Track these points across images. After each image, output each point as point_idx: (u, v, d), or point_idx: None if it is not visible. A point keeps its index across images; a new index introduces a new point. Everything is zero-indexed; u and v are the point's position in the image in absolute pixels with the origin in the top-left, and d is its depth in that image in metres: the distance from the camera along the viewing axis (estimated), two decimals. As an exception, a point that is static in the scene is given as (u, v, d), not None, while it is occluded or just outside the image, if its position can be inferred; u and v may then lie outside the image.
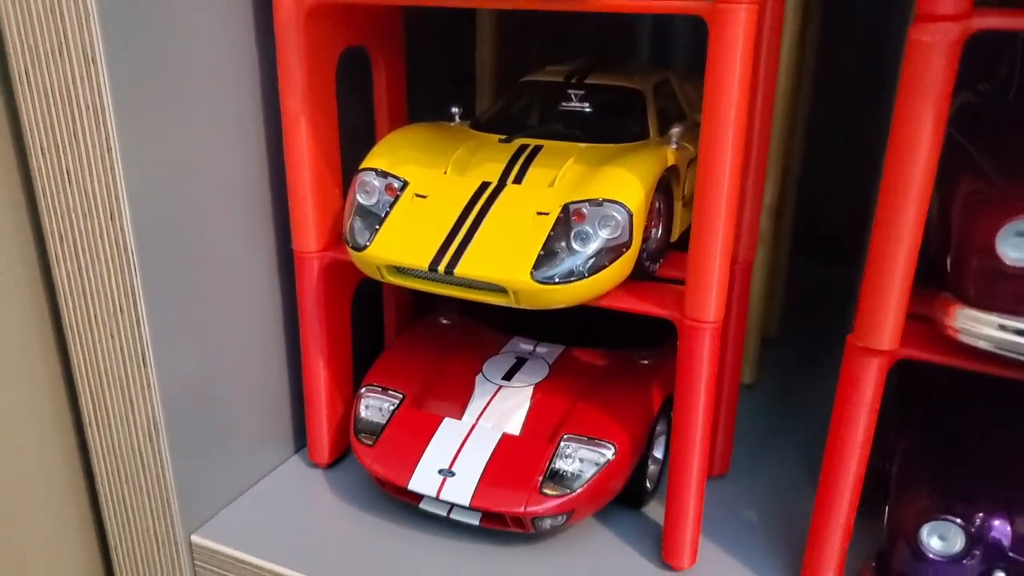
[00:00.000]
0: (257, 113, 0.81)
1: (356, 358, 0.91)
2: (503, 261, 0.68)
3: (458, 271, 0.68)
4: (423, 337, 0.94)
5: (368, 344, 0.98)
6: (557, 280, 0.67)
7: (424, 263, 0.69)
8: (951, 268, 0.61)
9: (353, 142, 0.85)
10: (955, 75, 0.55)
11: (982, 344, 0.58)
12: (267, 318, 0.86)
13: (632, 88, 0.85)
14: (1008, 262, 0.55)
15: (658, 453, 0.86)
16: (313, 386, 0.87)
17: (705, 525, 0.82)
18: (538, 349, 0.91)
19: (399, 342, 0.94)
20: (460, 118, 0.91)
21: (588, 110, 0.84)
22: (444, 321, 0.97)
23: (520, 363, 0.88)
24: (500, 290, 0.68)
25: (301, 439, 0.94)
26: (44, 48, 0.66)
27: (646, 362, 0.88)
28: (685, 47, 1.46)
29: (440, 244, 0.70)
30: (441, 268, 0.69)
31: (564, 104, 0.86)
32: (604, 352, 0.90)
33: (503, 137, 0.82)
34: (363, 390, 0.86)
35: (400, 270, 0.72)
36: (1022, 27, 0.54)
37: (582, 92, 0.86)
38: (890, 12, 1.35)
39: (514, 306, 0.69)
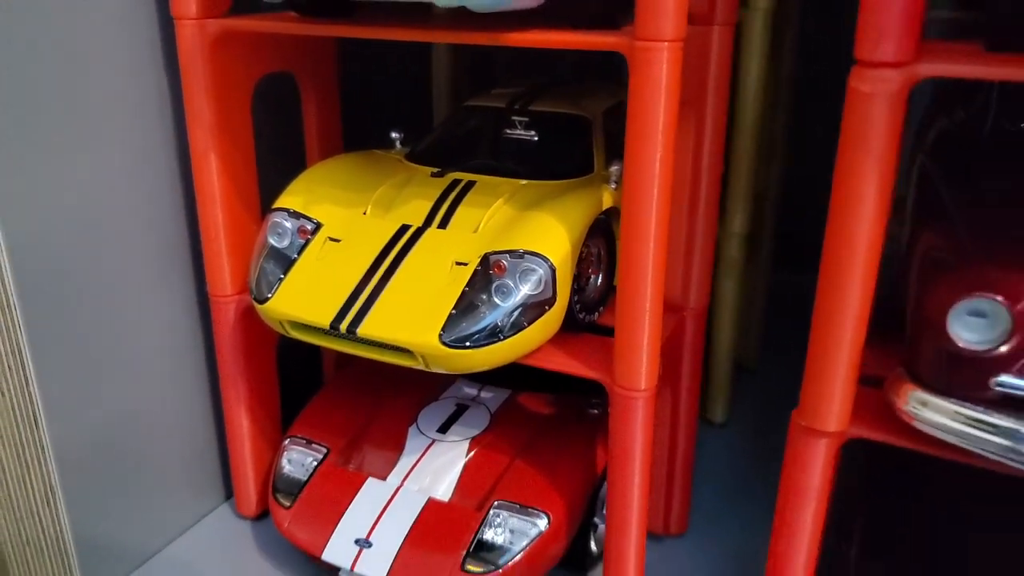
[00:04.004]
0: (168, 148, 0.74)
1: (292, 398, 0.85)
2: (411, 321, 0.61)
3: (361, 331, 0.62)
4: (361, 376, 0.88)
5: (305, 382, 0.91)
6: (468, 344, 0.60)
7: (326, 320, 0.63)
8: (907, 339, 0.54)
9: (284, 173, 0.78)
10: (901, 127, 0.48)
11: (936, 433, 0.51)
12: (186, 363, 0.80)
13: (578, 116, 0.78)
14: (961, 344, 0.47)
15: (607, 511, 0.80)
16: (236, 436, 0.81)
17: (653, 594, 0.76)
18: (482, 394, 0.84)
19: (334, 384, 0.88)
20: (403, 143, 0.84)
21: (530, 140, 0.77)
22: (387, 359, 0.91)
23: (460, 411, 0.82)
24: (408, 352, 0.62)
25: (231, 486, 0.88)
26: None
27: (596, 411, 0.81)
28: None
29: (346, 299, 0.64)
30: (343, 327, 0.62)
31: (506, 132, 0.79)
32: (552, 398, 0.83)
33: (436, 171, 0.75)
34: (287, 442, 0.80)
35: (303, 326, 0.66)
36: (973, 74, 0.46)
37: (525, 120, 0.79)
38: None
39: (425, 369, 0.63)
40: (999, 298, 0.46)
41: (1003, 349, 0.47)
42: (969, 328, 0.47)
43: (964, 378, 0.49)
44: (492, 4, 0.53)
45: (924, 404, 0.51)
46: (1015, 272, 0.46)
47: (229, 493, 0.88)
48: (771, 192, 1.04)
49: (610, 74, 1.34)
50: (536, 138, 0.77)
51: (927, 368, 0.51)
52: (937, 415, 0.50)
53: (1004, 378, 0.47)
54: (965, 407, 0.49)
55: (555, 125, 0.78)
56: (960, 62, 0.47)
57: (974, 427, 0.50)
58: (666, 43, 0.52)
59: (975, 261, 0.48)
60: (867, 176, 0.48)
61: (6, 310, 0.65)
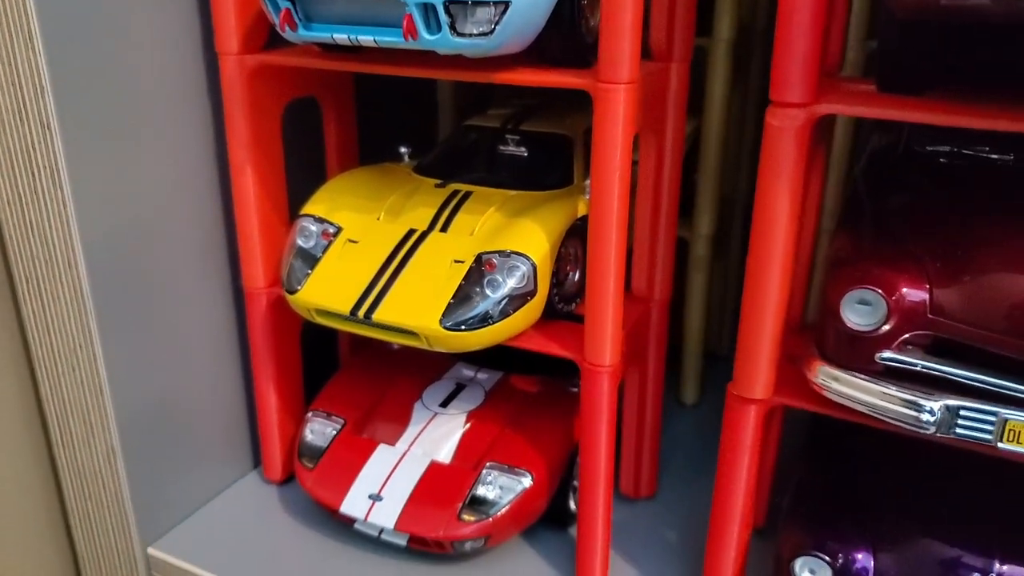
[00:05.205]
0: (210, 162, 0.87)
1: (313, 376, 0.98)
2: (417, 308, 0.74)
3: (376, 316, 0.75)
4: (373, 360, 1.01)
5: (323, 364, 1.04)
6: (464, 328, 0.73)
7: (346, 308, 0.76)
8: (817, 322, 0.66)
9: (307, 181, 0.91)
10: (807, 156, 0.60)
11: (838, 399, 0.63)
12: (223, 345, 0.93)
13: (561, 135, 0.90)
14: (851, 326, 0.60)
15: (586, 476, 0.92)
16: (265, 410, 0.94)
17: (623, 546, 0.88)
18: (478, 375, 0.97)
19: (350, 365, 1.01)
20: (410, 156, 0.97)
21: (519, 156, 0.90)
22: (395, 345, 1.04)
23: (459, 389, 0.95)
24: (414, 334, 0.75)
25: (260, 455, 1.01)
26: (5, 116, 0.73)
27: (575, 389, 0.93)
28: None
29: (363, 290, 0.76)
30: (361, 313, 0.75)
31: (499, 149, 0.91)
32: (539, 379, 0.96)
33: (439, 182, 0.88)
34: (309, 414, 0.93)
35: (328, 313, 0.78)
36: (864, 114, 0.59)
37: (516, 138, 0.91)
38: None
39: (428, 348, 0.75)
40: (878, 290, 0.58)
41: (883, 330, 0.59)
42: (857, 313, 0.60)
43: (856, 354, 0.61)
44: (484, 52, 0.66)
45: (830, 377, 0.64)
46: (891, 270, 0.59)
47: (257, 461, 1.01)
48: (739, 195, 1.16)
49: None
50: (525, 154, 0.90)
51: (830, 346, 0.63)
52: (841, 386, 0.63)
53: (886, 353, 0.60)
54: (859, 377, 0.62)
55: (541, 143, 0.90)
56: (853, 103, 0.59)
57: (869, 395, 0.62)
58: (623, 85, 0.64)
59: (862, 260, 0.61)
60: (779, 193, 0.61)
61: (80, 299, 0.78)
